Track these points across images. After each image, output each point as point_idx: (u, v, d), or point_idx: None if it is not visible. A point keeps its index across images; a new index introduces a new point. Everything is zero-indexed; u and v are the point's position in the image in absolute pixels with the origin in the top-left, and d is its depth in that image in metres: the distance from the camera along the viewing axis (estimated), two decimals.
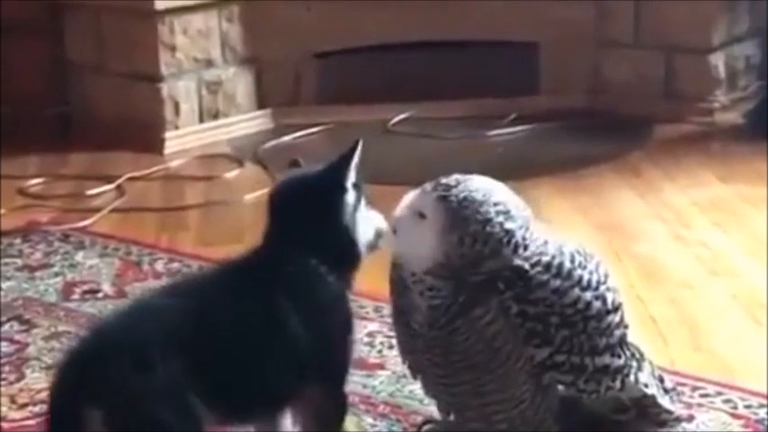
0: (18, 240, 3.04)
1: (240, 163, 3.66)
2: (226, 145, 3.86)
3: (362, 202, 1.90)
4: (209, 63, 3.90)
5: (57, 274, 2.82)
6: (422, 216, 1.85)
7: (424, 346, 1.91)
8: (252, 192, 3.37)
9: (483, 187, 1.86)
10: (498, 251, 1.84)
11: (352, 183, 1.88)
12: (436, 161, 3.58)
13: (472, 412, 1.94)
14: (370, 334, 2.42)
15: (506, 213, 1.85)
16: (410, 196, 1.89)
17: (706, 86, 3.90)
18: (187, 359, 1.68)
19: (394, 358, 2.33)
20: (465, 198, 1.83)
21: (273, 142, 3.81)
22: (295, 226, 1.86)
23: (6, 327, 2.54)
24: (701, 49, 3.89)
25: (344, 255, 1.87)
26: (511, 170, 3.46)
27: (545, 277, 1.87)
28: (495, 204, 1.85)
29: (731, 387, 2.22)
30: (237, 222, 3.18)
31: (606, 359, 1.94)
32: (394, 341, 2.37)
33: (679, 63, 3.92)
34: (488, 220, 1.83)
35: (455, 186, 1.84)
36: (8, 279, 2.80)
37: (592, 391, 1.94)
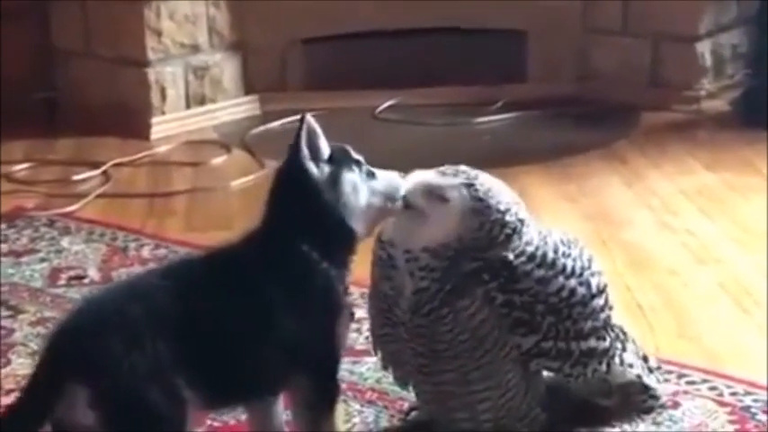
0: (4, 226, 3.03)
1: (227, 149, 3.65)
2: (212, 131, 3.86)
3: (348, 170, 1.82)
4: (195, 48, 3.89)
5: (43, 260, 2.81)
6: (442, 199, 1.88)
7: (407, 335, 1.92)
8: (239, 178, 3.37)
9: (494, 182, 1.93)
10: (510, 237, 1.88)
11: (326, 158, 1.81)
12: (423, 148, 3.58)
13: (456, 401, 1.94)
14: (357, 321, 2.41)
15: (519, 204, 1.93)
16: (426, 177, 1.90)
17: (693, 74, 3.91)
18: (175, 342, 1.68)
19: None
20: (490, 189, 1.90)
21: (260, 128, 3.80)
22: (285, 211, 1.84)
23: None
24: (687, 38, 3.89)
25: (335, 236, 1.82)
26: (498, 157, 3.47)
27: (529, 267, 1.89)
28: (511, 196, 1.92)
29: (717, 374, 2.23)
30: (224, 208, 3.18)
31: (592, 342, 1.96)
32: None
33: (666, 51, 3.92)
34: (508, 210, 1.89)
35: (477, 177, 1.91)
36: None
37: (578, 375, 1.95)
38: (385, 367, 2.04)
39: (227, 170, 3.48)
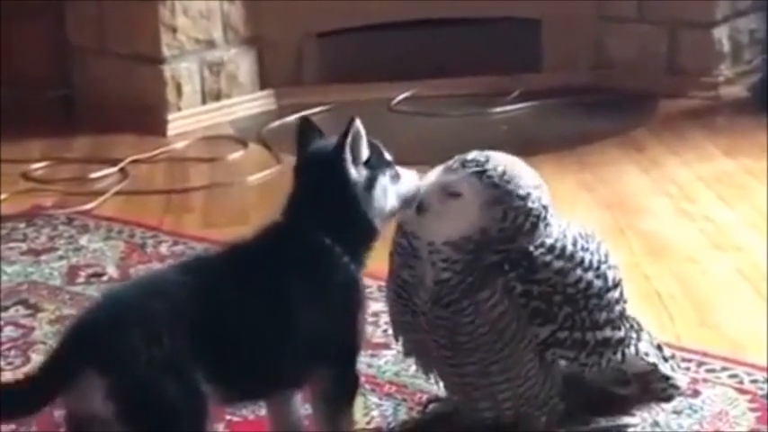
0: (22, 224, 3.04)
1: (244, 144, 3.66)
2: (229, 126, 3.86)
3: (381, 175, 1.85)
4: (210, 44, 3.90)
5: (61, 258, 2.82)
6: (454, 195, 1.85)
7: (428, 326, 1.92)
8: (256, 173, 3.37)
9: (512, 161, 1.87)
10: (536, 226, 1.85)
11: (364, 161, 1.84)
12: (440, 139, 3.57)
13: (479, 392, 1.94)
14: (374, 314, 2.42)
15: (540, 188, 1.88)
16: (434, 175, 1.88)
17: (710, 61, 3.88)
18: (195, 337, 1.68)
19: None
20: (504, 172, 1.84)
21: (276, 123, 3.80)
22: (312, 206, 1.84)
23: (12, 311, 2.54)
24: (704, 24, 3.87)
25: (358, 233, 1.85)
26: (515, 147, 3.39)
27: (548, 258, 1.88)
28: (531, 179, 1.87)
29: (737, 362, 2.21)
30: (241, 204, 3.18)
31: (607, 333, 1.95)
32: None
33: (683, 37, 3.90)
34: (529, 195, 1.85)
35: (487, 162, 1.85)
36: (13, 263, 2.80)
37: (593, 365, 1.95)
38: (407, 354, 2.03)
39: (244, 165, 3.48)
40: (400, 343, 2.02)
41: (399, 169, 1.89)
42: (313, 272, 1.80)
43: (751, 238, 2.82)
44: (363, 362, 2.21)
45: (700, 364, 2.21)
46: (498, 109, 3.84)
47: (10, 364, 2.32)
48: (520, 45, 4.08)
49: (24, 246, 2.90)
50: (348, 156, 1.81)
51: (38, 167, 3.49)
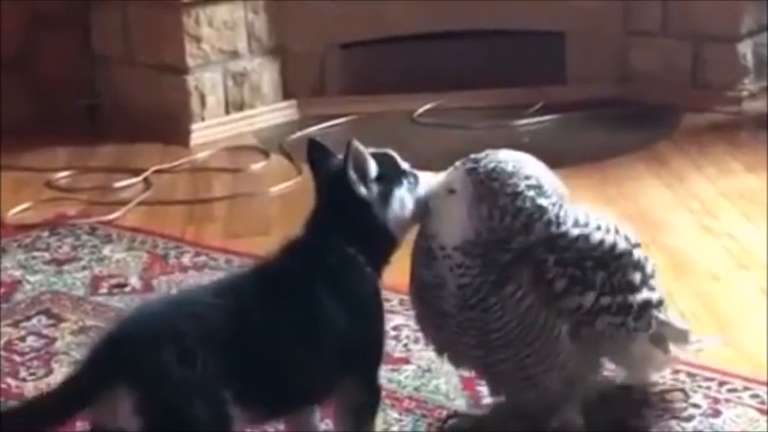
0: (46, 234, 3.05)
1: (266, 154, 3.66)
2: (252, 136, 3.87)
3: (397, 187, 1.87)
4: (234, 54, 3.91)
5: (84, 268, 2.83)
6: (451, 191, 1.86)
7: (457, 328, 1.91)
8: (278, 184, 3.38)
9: (513, 159, 1.85)
10: (530, 227, 1.83)
11: (375, 176, 1.86)
12: (462, 151, 3.51)
13: (520, 385, 1.94)
14: (395, 328, 2.42)
15: (538, 188, 1.85)
16: (443, 173, 1.90)
17: (734, 75, 3.87)
18: (226, 357, 1.69)
19: (419, 353, 2.34)
20: (493, 169, 1.83)
21: (299, 134, 3.81)
22: (333, 220, 1.87)
23: (34, 321, 2.56)
24: (728, 38, 3.86)
25: (380, 245, 1.87)
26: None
27: (564, 228, 1.87)
28: (527, 178, 1.84)
29: (759, 382, 2.20)
30: (264, 214, 3.19)
31: (645, 294, 1.97)
32: (420, 335, 2.38)
33: (707, 52, 3.89)
34: (518, 194, 1.82)
35: (483, 159, 1.85)
36: (36, 273, 2.81)
37: (642, 328, 1.97)
38: (440, 353, 2.02)
39: (267, 176, 3.49)
40: (431, 341, 2.01)
41: (417, 173, 1.91)
42: (341, 284, 1.83)
43: None
44: (384, 377, 2.20)
45: (721, 383, 2.20)
46: (521, 121, 3.84)
47: (32, 374, 2.33)
48: (544, 58, 4.08)
49: (47, 255, 2.92)
50: (353, 177, 1.84)
51: (62, 176, 3.51)
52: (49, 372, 2.34)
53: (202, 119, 3.84)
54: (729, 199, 3.18)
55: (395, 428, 2.10)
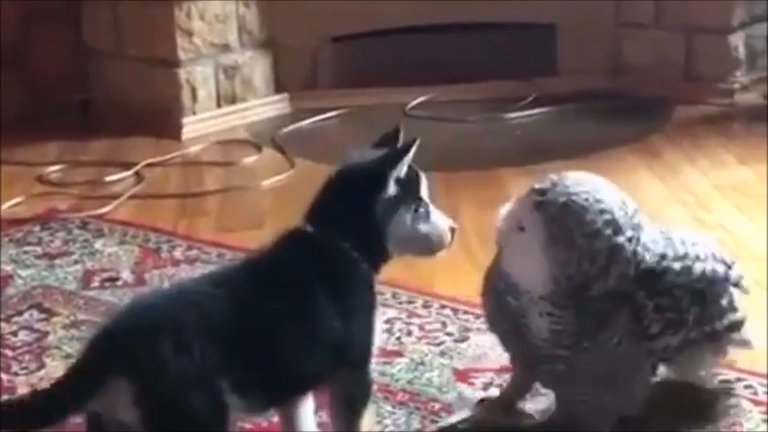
0: (37, 228, 3.04)
1: (258, 148, 3.66)
2: (243, 130, 3.86)
3: (404, 207, 1.86)
4: (226, 48, 3.90)
5: (76, 262, 2.82)
6: (521, 229, 1.69)
7: (544, 359, 1.83)
8: (270, 177, 3.37)
9: (583, 190, 1.67)
10: (607, 269, 1.68)
11: (397, 178, 1.85)
12: (455, 145, 3.57)
13: (584, 406, 1.89)
14: (388, 321, 2.42)
15: (614, 223, 1.68)
16: (510, 204, 1.76)
17: (726, 67, 3.87)
18: (224, 347, 1.70)
19: (412, 345, 2.34)
20: (564, 205, 1.65)
21: (291, 127, 3.80)
22: (333, 210, 1.87)
23: (26, 315, 2.55)
24: (720, 30, 3.86)
25: (373, 246, 1.87)
26: (530, 153, 3.46)
27: (665, 264, 1.80)
28: (602, 212, 1.67)
29: (752, 373, 2.20)
30: (256, 208, 3.18)
31: (730, 317, 1.96)
32: (412, 328, 2.38)
33: (699, 44, 3.89)
34: (595, 233, 1.65)
35: (550, 190, 1.66)
36: (28, 267, 2.80)
37: (718, 351, 2.00)
38: (507, 348, 1.95)
39: (259, 169, 3.48)
40: (505, 349, 1.95)
41: (433, 210, 1.88)
42: (336, 277, 1.83)
43: None
44: (376, 370, 2.19)
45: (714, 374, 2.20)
46: (513, 114, 3.83)
47: (24, 369, 2.33)
48: (535, 50, 4.07)
49: (39, 249, 2.91)
50: (399, 174, 1.83)
51: (53, 171, 3.50)
52: (41, 366, 2.33)
53: (194, 112, 3.83)
54: (722, 191, 3.18)
55: (388, 422, 2.10)
